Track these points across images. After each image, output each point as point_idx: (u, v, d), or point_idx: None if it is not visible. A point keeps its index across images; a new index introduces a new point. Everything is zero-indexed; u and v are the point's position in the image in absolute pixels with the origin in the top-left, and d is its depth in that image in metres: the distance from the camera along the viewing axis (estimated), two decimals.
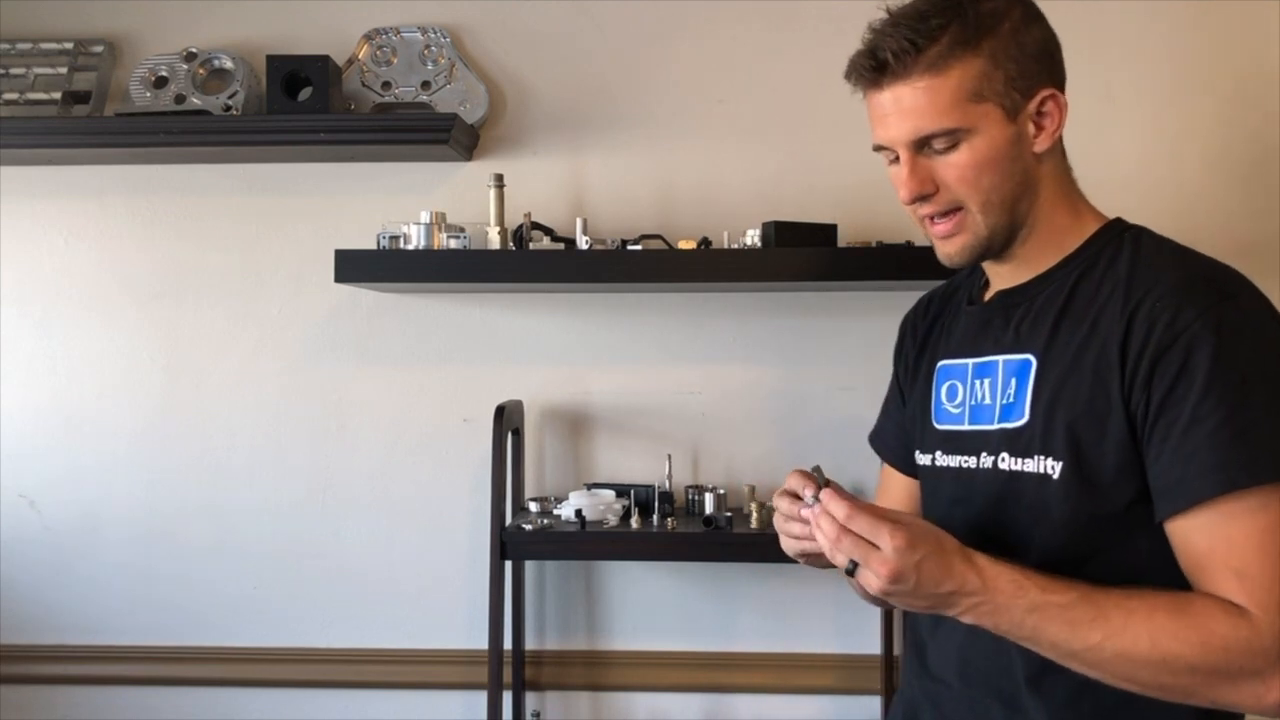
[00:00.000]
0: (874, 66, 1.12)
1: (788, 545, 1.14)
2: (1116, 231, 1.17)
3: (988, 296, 1.25)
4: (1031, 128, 1.13)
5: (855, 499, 1.05)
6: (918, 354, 1.33)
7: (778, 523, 1.14)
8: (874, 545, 1.02)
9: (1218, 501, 1.01)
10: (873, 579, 1.02)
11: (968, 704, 1.19)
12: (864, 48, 1.14)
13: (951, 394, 1.24)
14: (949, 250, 1.17)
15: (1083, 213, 1.19)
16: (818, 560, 1.13)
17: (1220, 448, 1.01)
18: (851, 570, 1.04)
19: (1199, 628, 1.00)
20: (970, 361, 1.22)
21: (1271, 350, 1.05)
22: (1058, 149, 1.17)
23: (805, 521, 1.08)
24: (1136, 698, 1.06)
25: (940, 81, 1.09)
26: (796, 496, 1.10)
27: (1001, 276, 1.22)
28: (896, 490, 1.40)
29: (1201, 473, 1.01)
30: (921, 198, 1.14)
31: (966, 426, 1.21)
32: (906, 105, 1.11)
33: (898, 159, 1.15)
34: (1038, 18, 1.14)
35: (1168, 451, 1.03)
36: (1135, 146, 1.98)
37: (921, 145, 1.12)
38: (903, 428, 1.37)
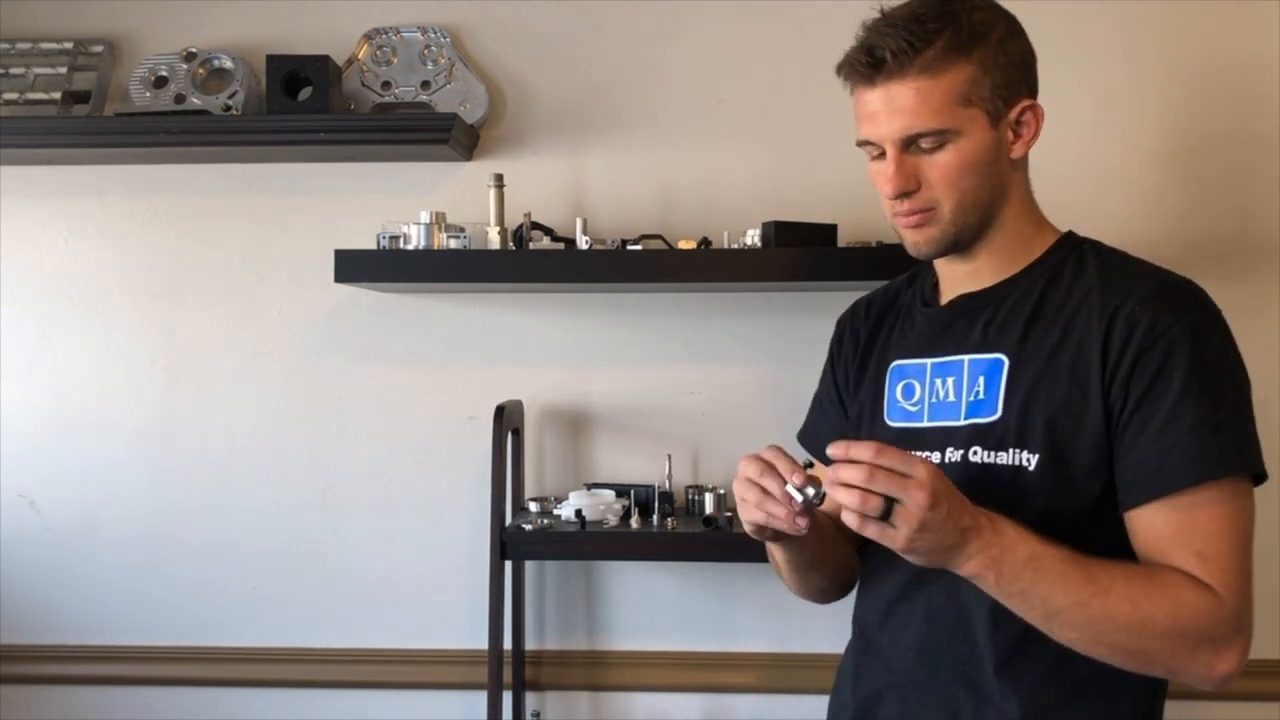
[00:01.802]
0: (870, 63, 1.16)
1: (755, 516, 1.14)
2: (1075, 242, 1.25)
3: (945, 299, 1.29)
4: (1010, 135, 1.19)
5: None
6: (861, 355, 1.36)
7: (750, 499, 1.13)
8: (907, 475, 1.01)
9: (1184, 493, 1.08)
10: (913, 509, 1.01)
11: (932, 693, 1.21)
12: (860, 45, 1.17)
13: (908, 392, 1.27)
14: (917, 240, 1.22)
15: (1042, 224, 1.27)
16: (778, 534, 1.15)
17: (1198, 442, 1.08)
18: (887, 514, 1.01)
19: (1171, 595, 1.06)
20: (929, 361, 1.26)
21: (1234, 355, 1.14)
22: (1025, 161, 1.24)
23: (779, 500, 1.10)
24: (1098, 679, 1.11)
25: (934, 83, 1.14)
26: (772, 470, 1.10)
27: (960, 279, 1.27)
28: None
29: (1179, 464, 1.08)
30: (904, 194, 1.18)
31: (926, 423, 1.24)
32: (899, 104, 1.15)
33: (881, 155, 1.20)
34: (1019, 31, 1.21)
35: (1141, 445, 1.10)
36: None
37: (909, 143, 1.17)
38: (839, 428, 1.39)
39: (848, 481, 1.02)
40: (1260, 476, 1.13)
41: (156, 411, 2.11)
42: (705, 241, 1.91)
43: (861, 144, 1.22)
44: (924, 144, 1.16)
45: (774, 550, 1.30)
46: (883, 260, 1.82)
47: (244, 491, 2.10)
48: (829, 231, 1.89)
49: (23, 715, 2.12)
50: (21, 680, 2.12)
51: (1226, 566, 1.07)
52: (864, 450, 1.02)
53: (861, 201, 1.97)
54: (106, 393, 2.12)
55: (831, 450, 1.05)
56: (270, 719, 2.10)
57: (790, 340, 2.04)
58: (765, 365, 2.04)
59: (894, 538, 1.03)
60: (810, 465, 1.12)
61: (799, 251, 1.84)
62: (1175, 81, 1.98)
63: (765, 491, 1.11)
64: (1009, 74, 1.17)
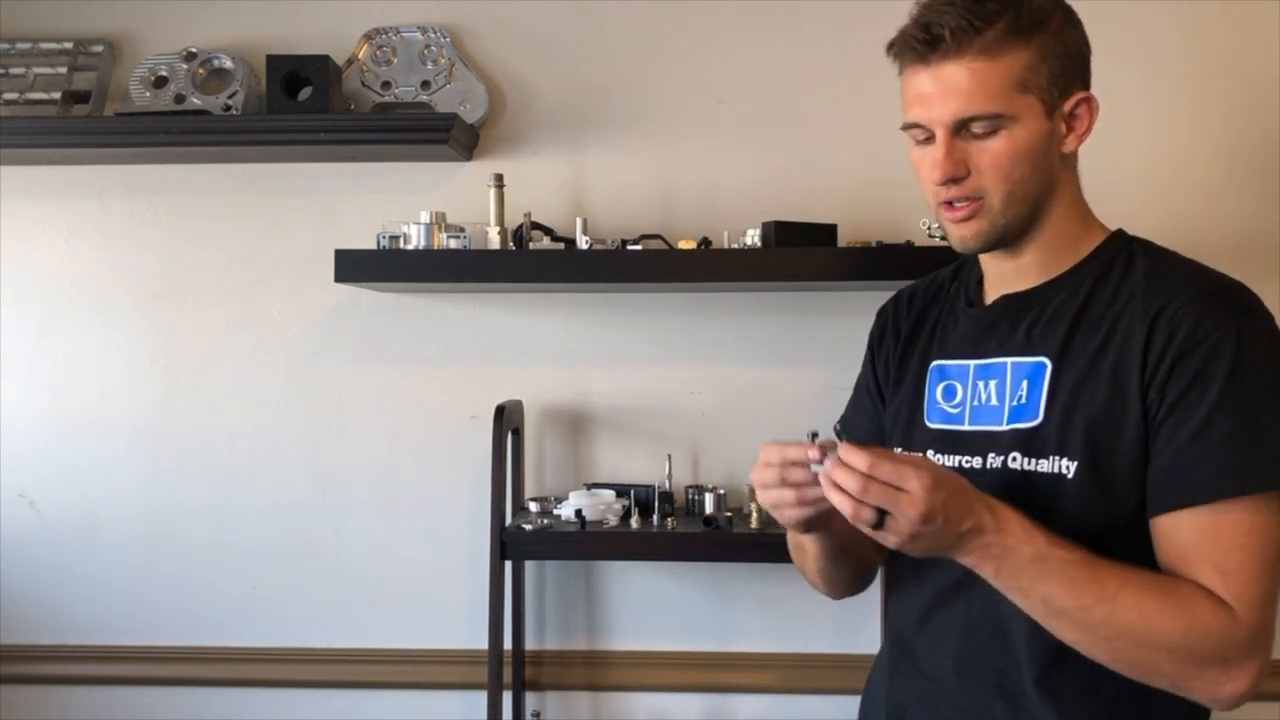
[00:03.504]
0: (927, 41, 1.12)
1: (791, 516, 1.11)
2: (1125, 241, 1.20)
3: (990, 298, 1.25)
4: (1063, 128, 1.16)
5: (871, 447, 1.03)
6: (902, 350, 1.33)
7: (776, 497, 1.09)
8: (901, 490, 1.00)
9: (1214, 505, 1.04)
10: (903, 523, 1.00)
11: (967, 702, 1.19)
12: (916, 21, 1.13)
13: (949, 394, 1.24)
14: (964, 234, 1.17)
15: (1091, 222, 1.22)
16: (800, 523, 1.11)
17: (1231, 453, 1.04)
18: (879, 523, 1.01)
19: (1185, 610, 1.03)
20: (972, 363, 1.23)
21: (1278, 362, 1.09)
22: (1075, 157, 1.20)
23: (812, 483, 1.06)
24: (1140, 692, 1.07)
25: (992, 66, 1.11)
26: (795, 464, 1.07)
27: (1005, 278, 1.23)
28: None
29: (1207, 475, 1.04)
30: (953, 180, 1.14)
31: (967, 427, 1.21)
32: (953, 85, 1.12)
33: (929, 139, 1.15)
34: (1077, 23, 1.17)
35: (1173, 451, 1.06)
36: (1138, 146, 1.98)
37: (960, 127, 1.13)
38: (875, 421, 1.37)
39: (842, 487, 1.01)
40: None
41: (156, 411, 2.11)
42: (705, 241, 1.91)
43: (908, 127, 1.17)
44: (976, 129, 1.12)
45: (806, 542, 1.26)
46: (883, 260, 1.82)
47: (244, 491, 2.10)
48: (829, 231, 1.89)
49: (23, 715, 2.12)
50: (21, 680, 2.12)
51: (1246, 583, 1.03)
52: (859, 459, 1.00)
53: (861, 201, 1.97)
54: (106, 393, 2.12)
55: (841, 452, 1.02)
56: (270, 719, 2.10)
57: (790, 340, 2.04)
58: (765, 365, 2.04)
59: (885, 540, 1.03)
60: (815, 435, 1.07)
61: (799, 251, 1.84)
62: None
63: (785, 477, 1.08)
64: (1066, 64, 1.14)
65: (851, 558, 1.30)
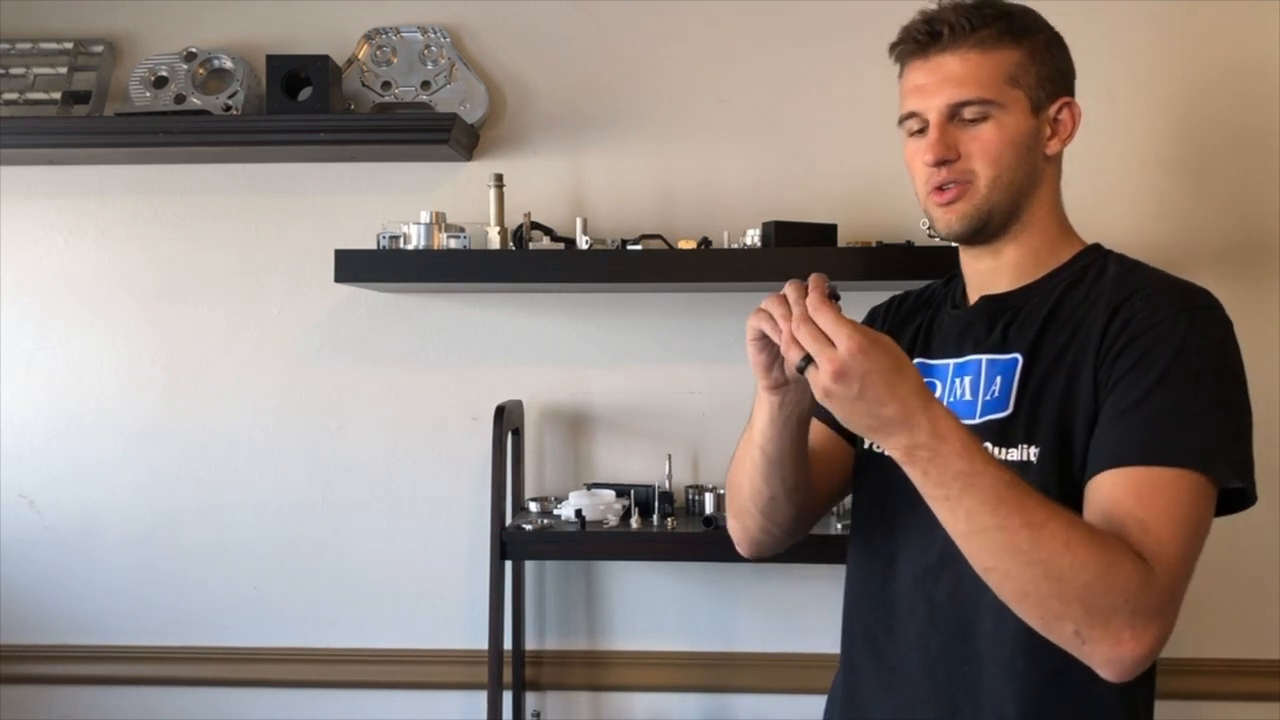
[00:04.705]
0: (929, 33, 1.21)
1: (750, 351, 1.16)
2: (1100, 252, 1.27)
3: (971, 301, 1.30)
4: (1047, 129, 1.23)
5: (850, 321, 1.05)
6: None
7: (749, 321, 1.14)
8: (831, 343, 1.02)
9: (1144, 468, 1.07)
10: (820, 375, 1.02)
11: (929, 693, 1.21)
12: (920, 20, 1.23)
13: None
14: (950, 217, 1.23)
15: (1070, 234, 1.29)
16: (769, 370, 1.15)
17: (1159, 428, 1.08)
18: (803, 368, 1.04)
19: (1109, 551, 1.03)
20: (951, 362, 1.27)
21: (1228, 361, 1.13)
22: (1059, 163, 1.27)
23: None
24: (1097, 683, 1.07)
25: (985, 58, 1.20)
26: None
27: (984, 279, 1.28)
28: (819, 435, 1.38)
29: (1137, 442, 1.08)
30: (944, 162, 1.21)
31: None
32: (949, 73, 1.20)
33: (921, 130, 1.23)
34: (1065, 46, 1.27)
35: (1109, 420, 1.11)
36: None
37: (953, 114, 1.20)
38: None
39: (794, 317, 1.06)
40: (1241, 494, 1.10)
41: (156, 411, 2.11)
42: (705, 241, 1.91)
43: (904, 119, 1.25)
44: (967, 114, 1.20)
45: (758, 419, 1.26)
46: (883, 260, 1.82)
47: (244, 491, 2.10)
48: (829, 231, 1.89)
49: (23, 715, 2.12)
50: (21, 680, 2.12)
51: (1165, 542, 1.03)
52: (812, 301, 1.05)
53: (861, 201, 1.97)
54: (106, 393, 2.12)
55: (790, 287, 1.08)
56: (270, 719, 2.10)
57: None
58: None
59: (813, 385, 1.05)
60: (837, 296, 1.09)
61: (799, 251, 1.84)
62: (1173, 82, 1.98)
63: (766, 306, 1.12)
64: (1052, 72, 1.23)
65: (787, 477, 1.28)
